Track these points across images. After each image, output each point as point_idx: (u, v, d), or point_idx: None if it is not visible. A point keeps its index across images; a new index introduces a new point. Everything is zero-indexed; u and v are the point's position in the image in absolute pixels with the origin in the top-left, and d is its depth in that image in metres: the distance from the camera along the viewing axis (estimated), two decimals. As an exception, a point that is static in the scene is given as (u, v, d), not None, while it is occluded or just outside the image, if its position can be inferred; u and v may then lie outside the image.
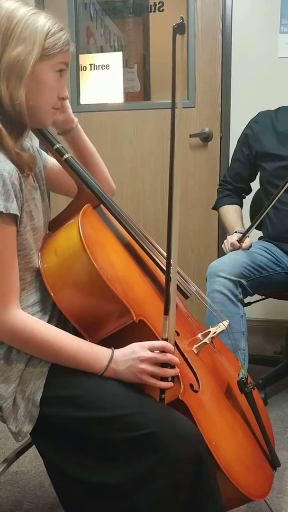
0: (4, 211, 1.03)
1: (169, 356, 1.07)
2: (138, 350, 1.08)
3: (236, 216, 2.19)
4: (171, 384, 1.09)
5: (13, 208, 1.05)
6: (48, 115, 1.19)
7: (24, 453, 1.52)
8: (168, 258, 1.04)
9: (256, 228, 2.01)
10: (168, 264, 1.04)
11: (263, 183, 2.20)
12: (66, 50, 1.14)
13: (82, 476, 1.07)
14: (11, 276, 1.07)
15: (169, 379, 1.08)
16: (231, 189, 2.28)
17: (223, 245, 2.10)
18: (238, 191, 2.29)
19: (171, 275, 1.05)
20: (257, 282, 1.95)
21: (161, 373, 1.07)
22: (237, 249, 2.00)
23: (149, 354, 1.07)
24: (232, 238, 2.03)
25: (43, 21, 1.10)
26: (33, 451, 1.56)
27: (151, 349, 1.07)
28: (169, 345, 1.08)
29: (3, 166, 1.05)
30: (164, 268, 1.26)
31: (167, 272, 1.04)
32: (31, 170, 1.15)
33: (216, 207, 2.32)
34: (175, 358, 1.08)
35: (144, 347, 1.07)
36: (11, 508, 1.59)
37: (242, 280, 1.88)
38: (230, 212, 2.22)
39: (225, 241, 2.09)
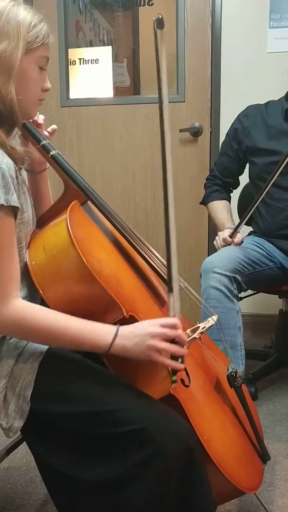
0: (5, 204, 1.03)
1: (179, 331, 1.06)
2: (147, 326, 1.06)
3: (226, 212, 2.19)
4: (182, 366, 1.07)
5: (14, 200, 1.05)
6: (34, 107, 1.19)
7: (15, 449, 1.52)
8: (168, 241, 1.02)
9: (245, 223, 2.02)
10: (168, 241, 1.02)
11: (254, 178, 2.20)
12: (47, 43, 1.14)
13: (72, 471, 1.07)
14: (11, 267, 1.07)
15: (179, 361, 1.07)
16: (220, 184, 2.28)
17: (214, 242, 2.10)
18: (226, 185, 2.29)
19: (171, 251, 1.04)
20: (251, 277, 1.95)
21: (173, 350, 1.06)
22: (229, 245, 2.00)
23: (160, 329, 1.05)
24: (224, 234, 2.03)
25: (24, 14, 1.10)
26: (23, 448, 1.56)
27: (163, 326, 1.06)
28: (180, 323, 1.07)
29: (1, 159, 1.05)
30: (151, 263, 1.26)
31: (167, 250, 1.02)
32: (23, 164, 1.16)
33: (204, 203, 2.32)
34: (183, 335, 1.07)
35: (155, 323, 1.06)
36: (2, 505, 1.59)
37: (237, 276, 1.88)
38: (219, 208, 2.22)
39: (216, 237, 2.09)
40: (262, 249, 2.06)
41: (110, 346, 1.05)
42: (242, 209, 2.40)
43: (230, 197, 2.30)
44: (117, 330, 1.06)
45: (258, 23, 2.71)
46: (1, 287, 1.05)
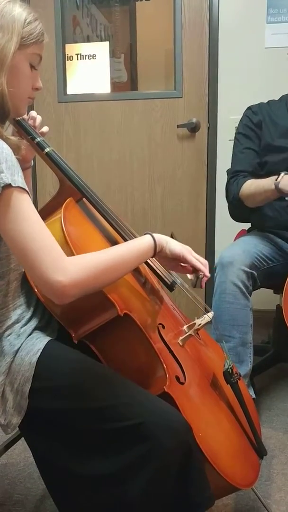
0: (13, 184, 1.00)
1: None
2: None
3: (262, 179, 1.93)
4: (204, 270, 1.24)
5: (20, 182, 1.03)
6: (24, 104, 1.19)
7: (13, 445, 1.53)
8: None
9: (244, 221, 1.98)
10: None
11: (263, 176, 2.14)
12: (41, 41, 1.14)
13: (70, 467, 1.08)
14: (49, 234, 1.04)
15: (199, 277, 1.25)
16: (246, 175, 2.07)
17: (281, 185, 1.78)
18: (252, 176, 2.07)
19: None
20: (265, 273, 1.92)
21: (202, 263, 1.24)
22: None
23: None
24: None
25: (19, 10, 1.10)
26: (22, 443, 1.57)
27: None
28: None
29: (1, 145, 1.04)
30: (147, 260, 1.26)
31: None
32: (18, 154, 1.14)
33: (236, 195, 2.03)
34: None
35: None
36: (0, 500, 1.60)
37: (254, 272, 1.85)
38: (255, 181, 1.97)
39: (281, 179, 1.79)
40: (272, 243, 2.03)
41: (154, 239, 1.16)
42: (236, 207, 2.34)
43: None
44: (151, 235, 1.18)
45: (255, 18, 2.70)
46: (55, 249, 1.02)
